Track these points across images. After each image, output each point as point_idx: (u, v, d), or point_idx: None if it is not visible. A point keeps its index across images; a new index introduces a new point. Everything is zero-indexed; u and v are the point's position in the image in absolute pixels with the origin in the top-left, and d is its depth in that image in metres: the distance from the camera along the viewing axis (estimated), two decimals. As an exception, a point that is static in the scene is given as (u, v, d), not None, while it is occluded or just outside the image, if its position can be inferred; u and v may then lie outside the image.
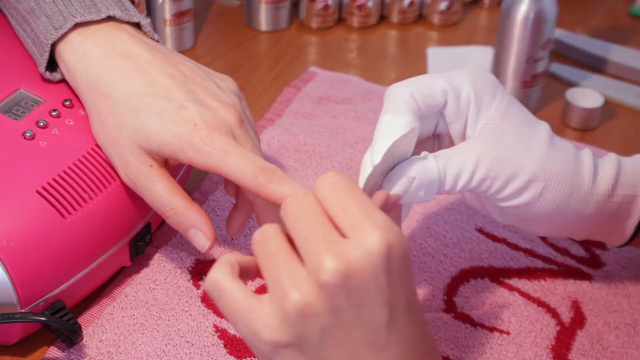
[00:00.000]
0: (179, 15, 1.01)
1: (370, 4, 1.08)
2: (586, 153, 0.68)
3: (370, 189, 0.62)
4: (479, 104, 0.65)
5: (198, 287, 0.74)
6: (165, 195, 0.67)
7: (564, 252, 0.80)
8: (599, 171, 0.67)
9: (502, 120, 0.65)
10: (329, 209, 0.51)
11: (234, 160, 0.65)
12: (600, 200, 0.67)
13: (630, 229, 0.69)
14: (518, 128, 0.65)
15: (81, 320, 0.71)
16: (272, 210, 0.68)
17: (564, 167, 0.66)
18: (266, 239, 0.52)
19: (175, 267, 0.76)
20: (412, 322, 0.52)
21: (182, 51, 1.03)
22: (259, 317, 0.51)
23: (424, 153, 0.64)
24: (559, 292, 0.76)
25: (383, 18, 1.12)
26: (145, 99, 0.68)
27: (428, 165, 0.63)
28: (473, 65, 0.66)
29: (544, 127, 0.66)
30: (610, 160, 0.68)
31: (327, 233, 0.50)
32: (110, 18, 0.72)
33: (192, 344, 0.70)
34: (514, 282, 0.77)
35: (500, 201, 0.66)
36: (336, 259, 0.49)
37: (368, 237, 0.49)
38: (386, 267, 0.50)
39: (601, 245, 0.80)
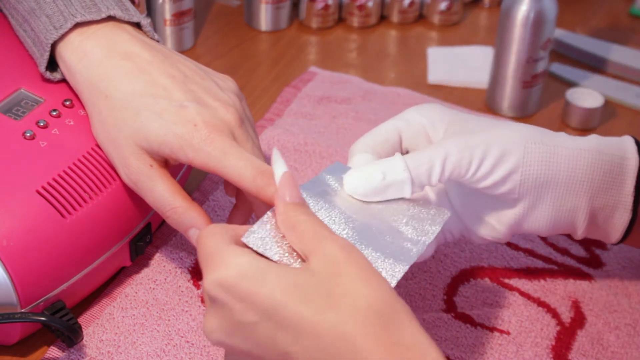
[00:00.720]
0: (179, 15, 1.01)
1: (370, 4, 1.08)
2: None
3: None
4: (432, 122, 0.68)
5: (198, 287, 0.74)
6: (165, 195, 0.67)
7: (564, 252, 0.80)
8: (576, 137, 0.68)
9: (463, 121, 0.68)
10: None
11: (233, 162, 0.65)
12: (589, 156, 0.67)
13: (629, 199, 0.68)
14: (479, 119, 0.68)
15: (81, 320, 0.71)
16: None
17: (538, 131, 0.67)
18: None
19: (176, 267, 0.76)
20: (286, 327, 0.52)
21: (182, 51, 1.03)
22: None
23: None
24: (559, 292, 0.76)
25: (383, 18, 1.12)
26: (146, 99, 0.68)
27: (393, 164, 0.65)
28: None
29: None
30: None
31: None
32: (110, 18, 0.72)
33: (192, 344, 0.70)
34: (514, 282, 0.77)
35: (487, 178, 0.66)
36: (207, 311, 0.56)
37: (206, 284, 0.54)
38: (234, 297, 0.53)
39: (601, 245, 0.80)
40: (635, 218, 0.69)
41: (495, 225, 0.69)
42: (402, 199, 0.65)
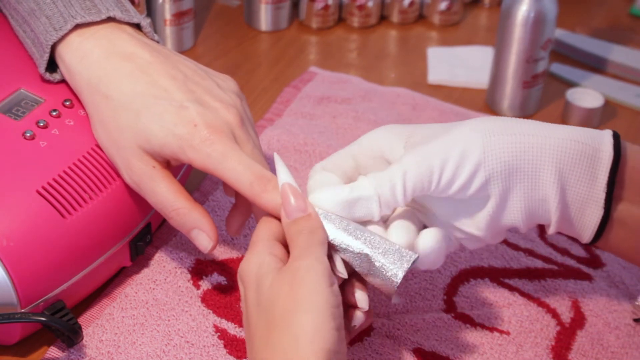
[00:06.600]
0: (179, 16, 1.01)
1: (370, 4, 1.08)
2: None
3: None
4: (388, 142, 0.67)
5: (198, 287, 0.74)
6: (168, 197, 0.67)
7: (564, 252, 0.80)
8: (549, 124, 0.65)
9: (420, 130, 0.66)
10: None
11: (232, 165, 0.65)
12: (557, 144, 0.64)
13: (601, 195, 0.64)
14: (438, 125, 0.66)
15: (81, 320, 0.71)
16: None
17: (500, 122, 0.64)
18: None
19: (175, 267, 0.76)
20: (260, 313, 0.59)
21: (182, 51, 1.03)
22: None
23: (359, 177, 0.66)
24: (559, 292, 0.76)
25: (383, 18, 1.12)
26: (146, 100, 0.68)
27: (360, 182, 0.64)
28: (374, 131, 0.68)
29: (468, 120, 0.66)
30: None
31: None
32: (110, 19, 0.72)
33: (192, 344, 0.70)
34: (514, 282, 0.77)
35: (452, 185, 0.63)
36: None
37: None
38: (242, 283, 0.62)
39: (601, 246, 0.80)
40: (608, 217, 0.65)
41: (474, 230, 0.66)
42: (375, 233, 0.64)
